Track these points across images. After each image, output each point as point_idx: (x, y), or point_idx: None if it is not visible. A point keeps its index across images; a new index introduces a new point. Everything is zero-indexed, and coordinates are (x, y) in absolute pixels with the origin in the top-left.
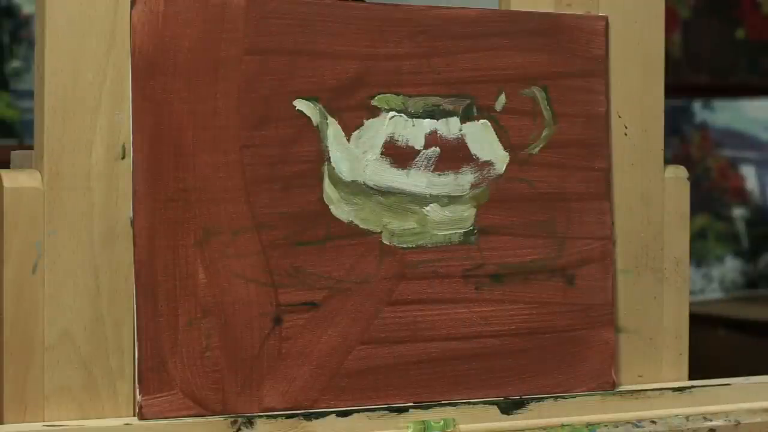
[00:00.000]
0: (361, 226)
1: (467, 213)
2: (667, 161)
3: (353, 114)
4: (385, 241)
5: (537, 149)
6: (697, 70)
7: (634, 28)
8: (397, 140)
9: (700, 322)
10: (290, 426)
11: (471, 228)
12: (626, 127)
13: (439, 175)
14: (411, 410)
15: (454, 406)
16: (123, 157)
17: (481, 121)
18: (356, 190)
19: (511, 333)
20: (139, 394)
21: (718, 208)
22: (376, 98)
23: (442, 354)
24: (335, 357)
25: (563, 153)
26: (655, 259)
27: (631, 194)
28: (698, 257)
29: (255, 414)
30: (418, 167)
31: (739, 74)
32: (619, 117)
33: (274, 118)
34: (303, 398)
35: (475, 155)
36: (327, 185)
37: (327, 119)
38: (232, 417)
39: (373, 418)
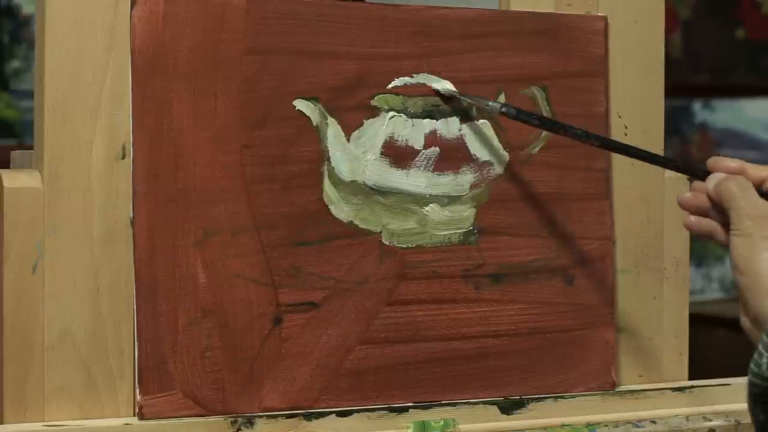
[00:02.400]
0: (361, 226)
1: (467, 213)
2: None
3: (353, 114)
4: (385, 241)
5: (537, 149)
6: (697, 70)
7: (634, 28)
8: (397, 140)
9: (700, 322)
10: (290, 426)
11: (471, 228)
12: (626, 127)
13: (439, 175)
14: (411, 410)
15: (454, 406)
16: (123, 157)
17: (481, 121)
18: (356, 190)
19: (511, 333)
20: (139, 394)
21: None
22: (375, 98)
23: (442, 354)
24: (335, 357)
25: (563, 153)
26: (655, 259)
27: (631, 194)
28: (698, 257)
29: (255, 414)
30: (418, 167)
31: (739, 74)
32: (619, 117)
33: (274, 118)
34: (303, 398)
35: (475, 155)
36: (327, 185)
37: (327, 119)
38: (232, 417)
39: (373, 418)
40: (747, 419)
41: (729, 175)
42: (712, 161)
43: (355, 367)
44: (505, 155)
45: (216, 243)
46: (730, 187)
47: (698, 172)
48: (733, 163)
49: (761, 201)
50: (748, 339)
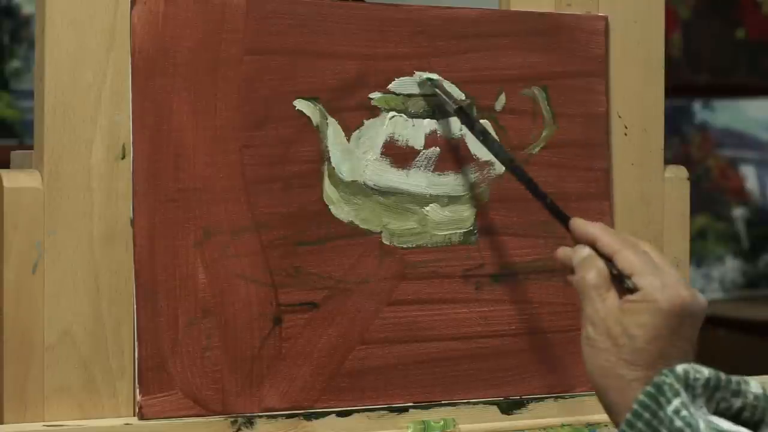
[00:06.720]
0: (361, 226)
1: (467, 213)
2: (667, 161)
3: (353, 114)
4: (385, 241)
5: (537, 149)
6: (697, 70)
7: (634, 28)
8: (397, 140)
9: None
10: (290, 426)
11: (471, 228)
12: (626, 127)
13: (439, 175)
14: (411, 410)
15: (454, 406)
16: (123, 157)
17: (481, 121)
18: (356, 190)
19: (511, 333)
20: (139, 394)
21: (718, 208)
22: (376, 98)
23: (442, 354)
24: (335, 357)
25: (563, 153)
26: None
27: (631, 194)
28: (698, 257)
29: (255, 414)
30: (418, 167)
31: (739, 74)
32: (619, 117)
33: (274, 118)
34: (303, 398)
35: (475, 155)
36: (327, 185)
37: (327, 119)
38: (232, 417)
39: (373, 418)
40: None
41: (584, 264)
42: (574, 225)
43: (355, 367)
44: None
45: (216, 243)
46: (581, 285)
47: (565, 222)
48: (591, 230)
49: (604, 306)
50: (748, 339)
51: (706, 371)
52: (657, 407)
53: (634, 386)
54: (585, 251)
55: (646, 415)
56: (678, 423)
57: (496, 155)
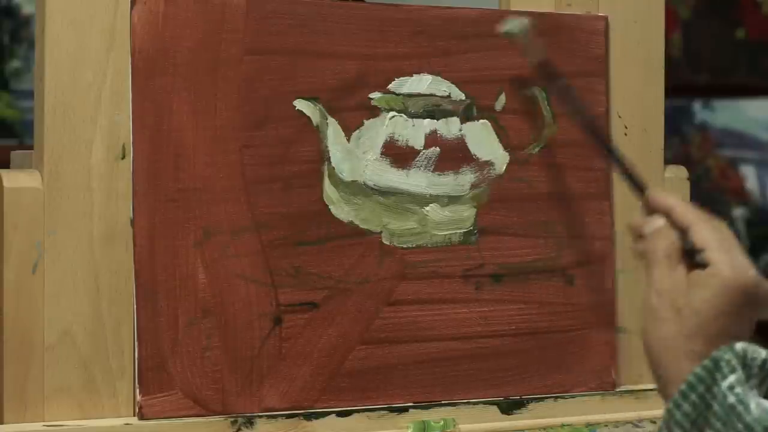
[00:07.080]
0: (361, 226)
1: (467, 213)
2: (667, 161)
3: (353, 114)
4: (385, 241)
5: (537, 149)
6: (697, 70)
7: (634, 28)
8: (397, 140)
9: None
10: (290, 426)
11: (471, 228)
12: (626, 127)
13: (439, 175)
14: (411, 410)
15: (454, 406)
16: (123, 157)
17: (481, 121)
18: (356, 190)
19: (511, 333)
20: (139, 394)
21: (718, 208)
22: (376, 98)
23: (442, 354)
24: (335, 357)
25: (563, 153)
26: None
27: (631, 194)
28: None
29: (255, 414)
30: (418, 167)
31: (739, 74)
32: (619, 117)
33: (274, 118)
34: (303, 398)
35: (475, 155)
36: (327, 185)
37: (327, 119)
38: (232, 417)
39: (373, 418)
40: None
41: (658, 233)
42: (652, 194)
43: (355, 367)
44: (505, 155)
45: (216, 243)
46: (652, 254)
47: (642, 190)
48: (668, 201)
49: (672, 277)
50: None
51: (763, 353)
52: (712, 382)
53: (691, 359)
54: (660, 221)
55: (701, 388)
56: (731, 399)
57: (576, 113)
